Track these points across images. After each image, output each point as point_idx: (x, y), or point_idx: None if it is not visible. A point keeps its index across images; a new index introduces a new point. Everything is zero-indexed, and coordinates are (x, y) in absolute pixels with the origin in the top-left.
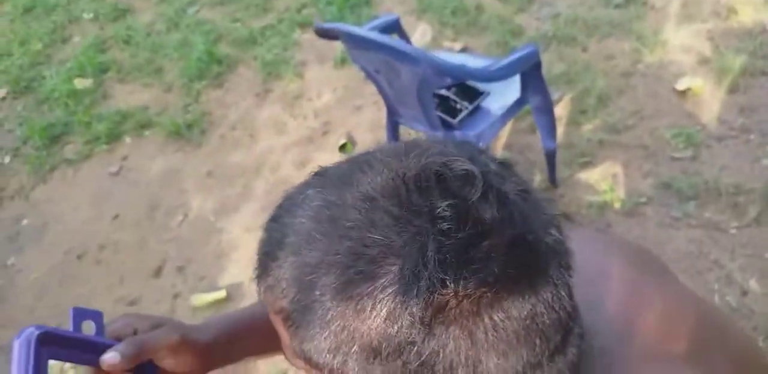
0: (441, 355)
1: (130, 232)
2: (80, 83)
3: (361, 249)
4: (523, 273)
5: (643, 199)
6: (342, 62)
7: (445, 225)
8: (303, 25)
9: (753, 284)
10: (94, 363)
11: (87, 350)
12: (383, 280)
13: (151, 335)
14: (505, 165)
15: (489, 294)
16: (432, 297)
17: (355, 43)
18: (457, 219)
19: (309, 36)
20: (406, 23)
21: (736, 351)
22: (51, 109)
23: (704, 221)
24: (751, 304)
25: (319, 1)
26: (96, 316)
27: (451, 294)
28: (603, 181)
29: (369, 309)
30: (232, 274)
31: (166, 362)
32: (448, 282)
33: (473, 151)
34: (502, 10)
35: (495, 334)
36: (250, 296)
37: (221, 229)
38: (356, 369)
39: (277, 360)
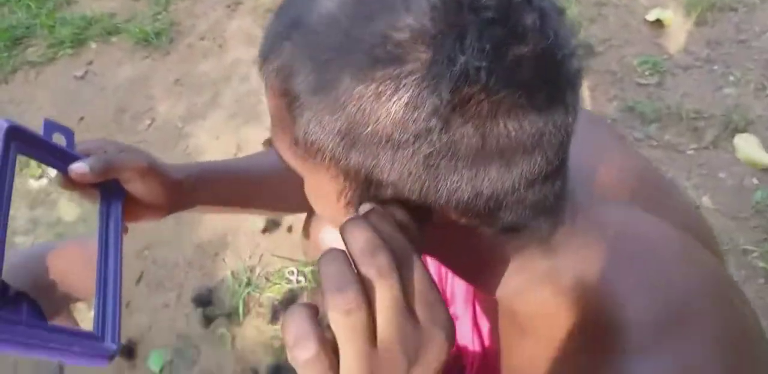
0: (450, 151)
1: (95, 135)
2: None
3: (391, 32)
4: (544, 87)
5: (608, 120)
6: None
7: (488, 15)
8: None
9: (705, 200)
10: (63, 170)
11: (56, 156)
12: (411, 65)
13: (121, 155)
14: None
15: (511, 98)
16: (462, 85)
17: None
18: (500, 12)
19: None
20: None
21: (682, 210)
22: (12, 11)
23: (664, 143)
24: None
25: None
26: (68, 132)
27: (479, 88)
28: None
29: (391, 92)
30: None
31: (134, 185)
32: (482, 73)
33: None
34: None
35: (504, 142)
36: None
37: (188, 135)
38: (363, 154)
39: (244, 257)
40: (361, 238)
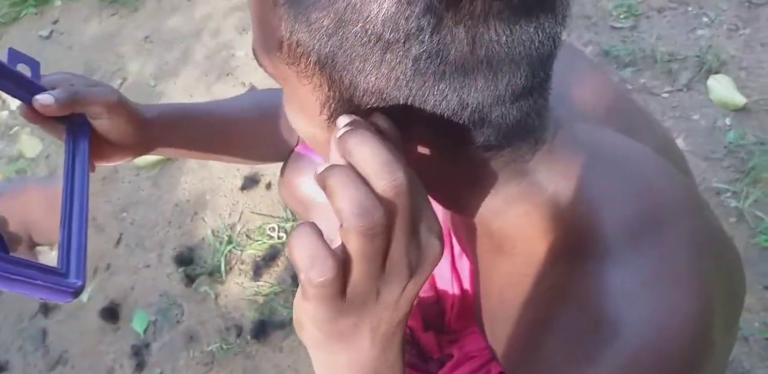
0: (440, 55)
1: None
2: None
3: None
4: None
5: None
6: None
7: None
8: None
9: (680, 142)
10: (26, 101)
11: (21, 86)
12: None
13: (89, 88)
14: None
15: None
16: None
17: None
18: None
19: None
20: None
21: (659, 135)
22: None
23: (639, 86)
24: None
25: None
26: (33, 63)
27: None
28: None
29: None
30: None
31: (101, 122)
32: None
33: None
34: None
35: (494, 48)
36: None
37: (161, 93)
38: (350, 55)
39: (224, 215)
40: (374, 153)
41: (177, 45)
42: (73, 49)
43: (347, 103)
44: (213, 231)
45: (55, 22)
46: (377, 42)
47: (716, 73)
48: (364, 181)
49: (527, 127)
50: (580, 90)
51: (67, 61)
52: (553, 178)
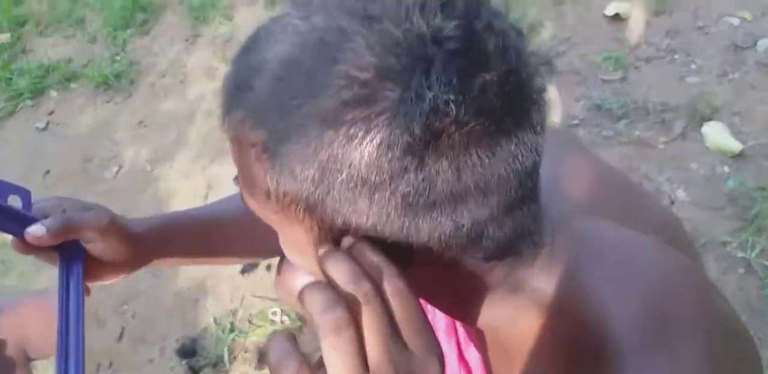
0: (427, 188)
1: (63, 187)
2: None
3: (356, 72)
4: (511, 111)
5: (576, 121)
6: (272, 3)
7: (452, 46)
8: None
9: (680, 193)
10: (18, 234)
11: (11, 219)
12: (380, 105)
13: (81, 214)
14: (496, 9)
15: (481, 127)
16: (433, 120)
17: None
18: (464, 41)
19: None
20: None
21: (655, 215)
22: None
23: (634, 138)
24: (679, 212)
25: None
26: (24, 193)
27: (450, 121)
28: None
29: (362, 134)
30: None
31: (94, 245)
32: (451, 105)
33: None
34: None
35: (479, 171)
36: None
37: (158, 178)
38: (339, 200)
39: (225, 302)
40: (343, 268)
41: (171, 128)
42: (69, 138)
43: (340, 240)
44: (215, 319)
45: (51, 113)
46: (363, 186)
47: (710, 119)
48: (332, 289)
49: (524, 232)
50: (572, 179)
51: (63, 152)
52: (557, 283)
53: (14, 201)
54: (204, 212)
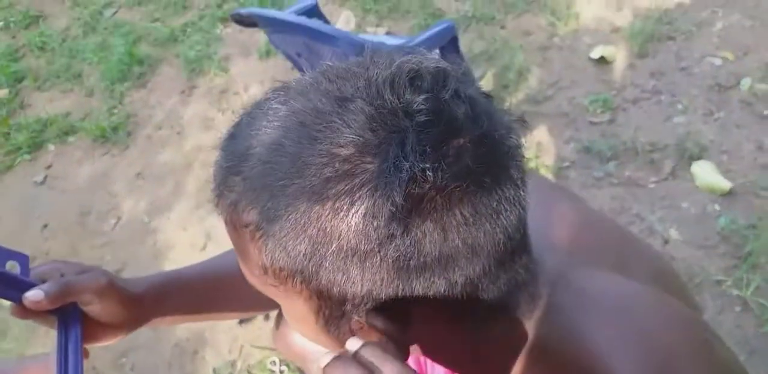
0: (416, 251)
1: (60, 241)
2: None
3: (336, 149)
4: (489, 170)
5: (567, 164)
6: (267, 54)
7: (422, 118)
8: (224, 20)
9: (673, 233)
10: (16, 300)
11: (10, 286)
12: (361, 178)
13: (78, 277)
14: (465, 72)
15: (460, 188)
16: (413, 187)
17: (274, 26)
18: (433, 113)
19: (231, 30)
20: (330, 11)
21: (648, 262)
22: None
23: (624, 179)
24: (672, 251)
25: None
26: (22, 258)
27: (429, 186)
28: (528, 149)
29: (347, 207)
30: None
31: (92, 307)
32: (428, 172)
33: (435, 56)
34: None
35: (465, 229)
36: None
37: (156, 229)
38: (332, 270)
39: (224, 352)
40: None
41: (168, 179)
42: (66, 192)
43: (339, 308)
44: (215, 370)
45: (49, 167)
46: (354, 255)
47: (698, 158)
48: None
49: (519, 285)
50: (563, 227)
51: (60, 205)
52: (557, 335)
53: (12, 267)
54: (201, 269)
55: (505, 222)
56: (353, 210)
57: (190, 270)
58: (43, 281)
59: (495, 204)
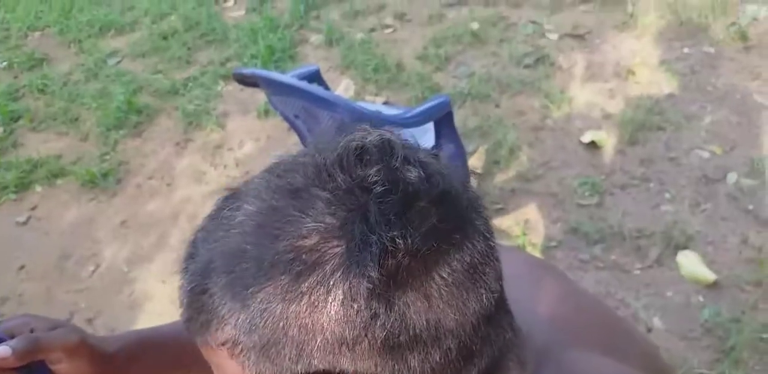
0: (404, 325)
1: (36, 284)
2: None
3: (300, 242)
4: (456, 226)
5: (554, 243)
6: (265, 113)
7: (379, 189)
8: (226, 78)
9: (656, 321)
10: None
11: None
12: (331, 263)
13: (49, 334)
14: (408, 139)
15: (432, 249)
16: (386, 258)
17: (275, 88)
18: (389, 181)
19: (232, 88)
20: (331, 79)
21: (640, 351)
22: None
23: (610, 263)
24: (656, 340)
25: (243, 55)
26: None
27: (402, 254)
28: (516, 226)
29: (323, 298)
30: (145, 325)
31: (61, 366)
32: (397, 240)
33: (380, 128)
34: (422, 68)
35: (447, 290)
36: None
37: (134, 279)
38: (323, 364)
39: None
40: None
41: (153, 230)
42: (49, 234)
43: None
44: None
45: (33, 208)
46: (342, 345)
47: (684, 248)
48: None
49: (506, 343)
50: (552, 305)
51: (41, 248)
52: None
53: None
54: (176, 330)
55: (483, 276)
56: (330, 299)
57: (165, 330)
58: (12, 336)
59: (469, 258)
